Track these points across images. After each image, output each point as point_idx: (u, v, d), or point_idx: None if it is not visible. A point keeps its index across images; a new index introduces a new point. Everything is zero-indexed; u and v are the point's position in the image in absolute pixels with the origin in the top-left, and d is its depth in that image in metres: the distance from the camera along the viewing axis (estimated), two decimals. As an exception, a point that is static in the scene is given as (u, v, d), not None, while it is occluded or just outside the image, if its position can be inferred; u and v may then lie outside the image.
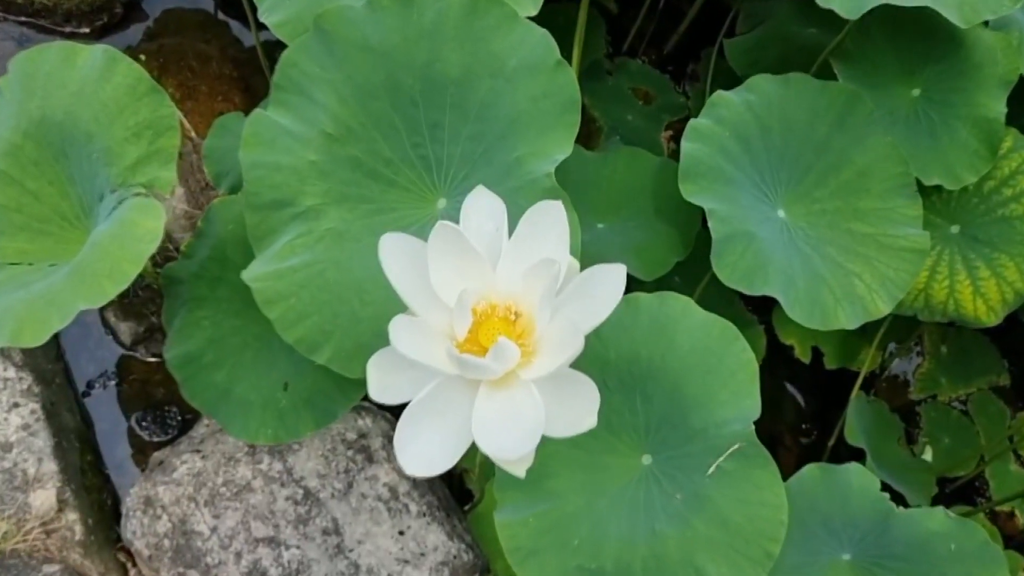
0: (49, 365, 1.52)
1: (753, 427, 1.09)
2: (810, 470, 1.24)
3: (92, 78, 1.13)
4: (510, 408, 0.78)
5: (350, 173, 1.12)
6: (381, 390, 0.81)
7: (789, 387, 1.86)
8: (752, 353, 1.13)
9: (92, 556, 1.38)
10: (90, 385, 1.57)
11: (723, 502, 1.07)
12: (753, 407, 1.10)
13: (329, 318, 1.05)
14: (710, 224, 1.28)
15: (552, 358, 0.79)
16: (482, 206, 0.86)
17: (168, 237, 1.61)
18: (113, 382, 1.58)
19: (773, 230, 1.32)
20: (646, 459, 1.12)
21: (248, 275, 1.06)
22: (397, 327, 0.76)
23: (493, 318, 0.83)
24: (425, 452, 0.77)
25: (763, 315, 1.81)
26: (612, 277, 0.81)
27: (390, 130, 1.12)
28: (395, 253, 0.81)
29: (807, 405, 1.84)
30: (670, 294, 1.16)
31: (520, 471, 0.79)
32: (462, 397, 0.80)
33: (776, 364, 1.85)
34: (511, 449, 0.75)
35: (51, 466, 1.38)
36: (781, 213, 1.35)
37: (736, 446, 1.08)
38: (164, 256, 1.56)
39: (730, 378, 1.12)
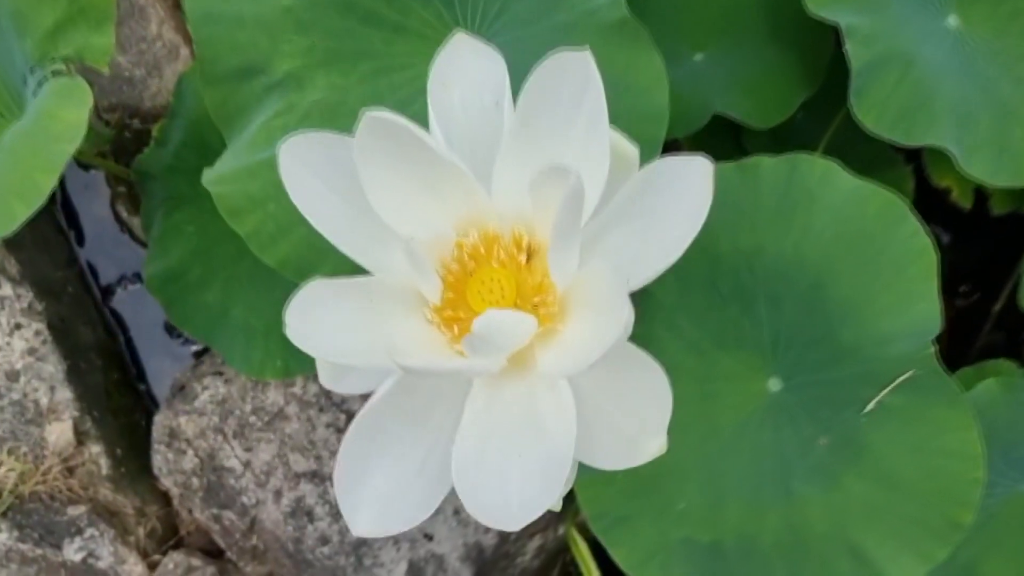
0: (58, 273, 1.27)
1: (933, 346, 0.74)
2: (988, 386, 0.88)
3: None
4: (519, 419, 0.46)
5: (340, 20, 0.77)
6: (334, 376, 0.50)
7: (942, 236, 1.46)
8: (928, 239, 0.76)
9: (124, 490, 1.17)
10: (110, 290, 1.32)
11: (888, 451, 0.74)
12: (930, 316, 0.75)
13: (321, 230, 0.73)
14: (848, 48, 0.89)
15: (588, 328, 0.46)
16: (467, 68, 0.51)
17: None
18: (137, 285, 1.32)
19: (940, 48, 0.91)
20: (774, 383, 0.79)
21: (209, 177, 0.74)
22: (300, 305, 0.44)
23: (491, 260, 0.49)
24: (381, 497, 0.46)
25: (909, 149, 1.40)
26: (690, 180, 0.47)
27: (387, -50, 0.75)
28: (306, 168, 0.49)
29: (965, 259, 1.44)
30: (803, 157, 0.79)
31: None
32: (446, 397, 0.48)
33: (925, 208, 1.45)
34: (514, 504, 0.43)
35: (65, 394, 1.15)
36: (952, 21, 0.93)
37: (907, 373, 0.73)
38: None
39: (896, 274, 0.76)
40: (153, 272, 0.93)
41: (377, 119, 0.50)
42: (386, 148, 0.51)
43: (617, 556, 0.77)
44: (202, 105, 0.91)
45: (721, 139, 1.17)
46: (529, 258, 0.51)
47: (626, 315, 0.43)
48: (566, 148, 0.50)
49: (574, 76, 0.49)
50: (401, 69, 0.78)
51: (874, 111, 0.86)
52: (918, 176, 1.36)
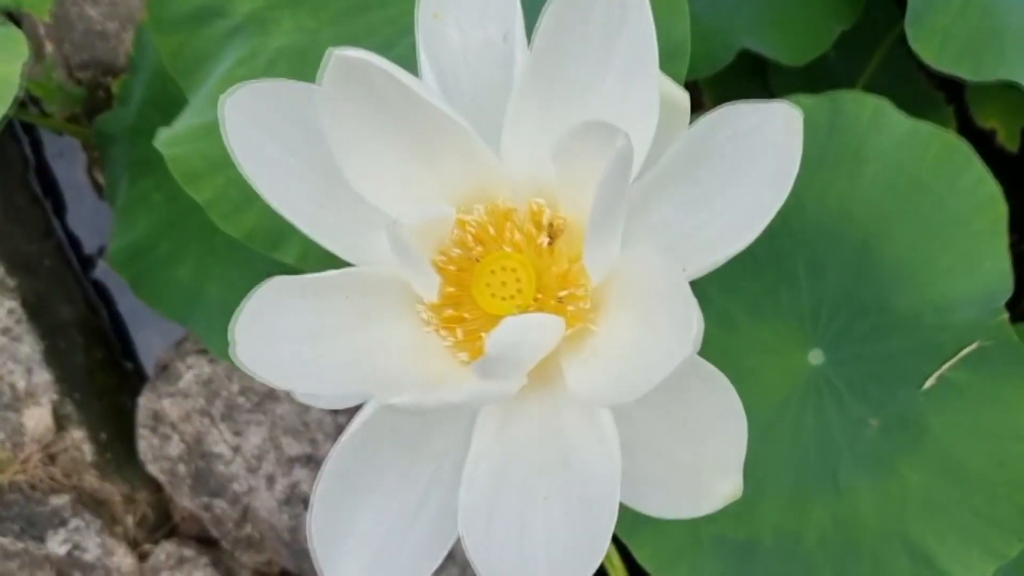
0: (33, 245, 1.18)
1: (1005, 312, 0.64)
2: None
3: None
4: (543, 452, 0.36)
5: (305, -52, 0.66)
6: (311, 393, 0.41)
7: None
8: (995, 187, 0.66)
9: (111, 476, 1.09)
10: (91, 262, 1.23)
11: (951, 435, 0.64)
12: (1000, 277, 0.64)
13: (291, 196, 0.63)
14: (902, -31, 0.77)
15: (635, 335, 0.36)
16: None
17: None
18: (119, 256, 1.23)
19: (1006, -34, 0.79)
20: (815, 357, 0.69)
21: (163, 138, 0.64)
22: (251, 316, 0.35)
23: (502, 242, 0.39)
24: (370, 549, 0.37)
25: (950, 88, 1.28)
26: (769, 134, 0.36)
27: None
28: (259, 127, 0.39)
29: (1011, 206, 1.33)
30: (849, 95, 0.68)
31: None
32: (448, 417, 0.38)
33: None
34: (540, 568, 0.34)
35: (43, 376, 1.07)
36: (1017, -65, 0.80)
37: (973, 344, 0.63)
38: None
39: (959, 230, 0.65)
40: (118, 246, 0.84)
41: (347, 60, 0.40)
42: (360, 99, 0.40)
43: (641, 557, 0.68)
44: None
45: (746, 80, 1.06)
46: (551, 239, 0.41)
47: (695, 322, 0.33)
48: (599, 94, 0.39)
49: None
50: (380, 7, 0.67)
51: (935, 42, 0.75)
52: (959, 118, 1.25)
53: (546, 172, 0.39)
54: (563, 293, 0.40)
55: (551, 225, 0.40)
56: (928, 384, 0.64)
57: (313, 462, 0.98)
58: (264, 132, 0.41)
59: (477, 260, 0.40)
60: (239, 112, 0.41)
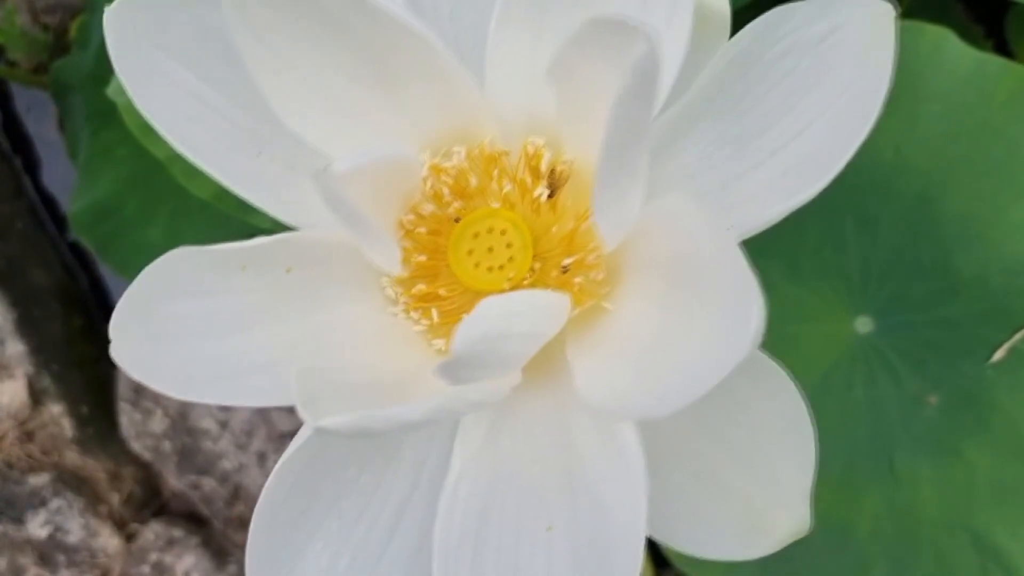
0: (3, 206, 1.09)
1: (1087, 276, 0.56)
2: None
3: None
4: (545, 466, 0.28)
5: None
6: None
7: None
8: (1080, 127, 0.57)
9: (94, 452, 1.02)
10: (67, 222, 1.14)
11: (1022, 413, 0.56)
12: (1082, 233, 0.56)
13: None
14: None
15: (658, 316, 0.27)
16: None
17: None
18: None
19: None
20: (863, 324, 0.62)
21: (116, 85, 0.56)
22: (138, 300, 0.26)
23: (488, 196, 0.30)
24: None
25: (989, 20, 1.18)
26: (847, 39, 0.28)
27: None
28: (158, 46, 0.30)
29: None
30: (905, 23, 0.59)
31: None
32: (424, 435, 0.30)
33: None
34: None
35: (17, 347, 0.99)
36: None
37: (1051, 312, 0.55)
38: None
39: (1034, 180, 0.57)
40: (80, 207, 0.75)
41: None
42: (290, 5, 0.30)
43: (668, 551, 0.60)
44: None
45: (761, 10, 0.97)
46: (553, 190, 0.32)
47: (754, 308, 0.24)
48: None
49: None
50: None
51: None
52: (998, 51, 1.15)
53: (544, 102, 0.30)
54: (568, 260, 0.31)
55: (552, 172, 0.31)
56: (997, 356, 0.56)
57: (307, 437, 0.91)
58: (164, 51, 0.31)
59: (456, 219, 0.31)
60: (129, 23, 0.31)
